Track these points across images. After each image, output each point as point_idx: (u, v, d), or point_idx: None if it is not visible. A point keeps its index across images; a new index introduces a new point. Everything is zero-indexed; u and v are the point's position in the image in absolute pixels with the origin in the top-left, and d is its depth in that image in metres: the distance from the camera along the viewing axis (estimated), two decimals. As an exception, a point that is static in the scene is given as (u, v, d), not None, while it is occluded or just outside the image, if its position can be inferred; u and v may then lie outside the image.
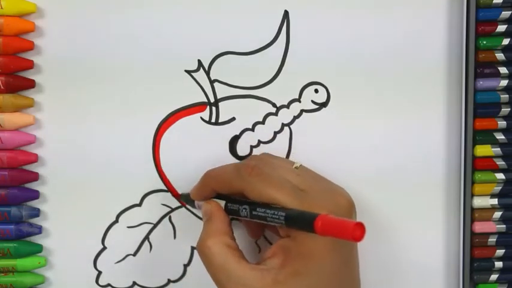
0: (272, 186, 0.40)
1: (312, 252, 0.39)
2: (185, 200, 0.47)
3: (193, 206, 0.46)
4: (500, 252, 0.47)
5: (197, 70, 0.47)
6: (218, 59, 0.47)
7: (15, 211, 0.46)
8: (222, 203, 0.43)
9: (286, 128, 0.47)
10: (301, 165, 0.44)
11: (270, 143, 0.47)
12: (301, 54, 0.47)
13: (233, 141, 0.47)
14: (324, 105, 0.47)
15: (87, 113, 0.47)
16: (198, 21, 0.46)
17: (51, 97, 0.46)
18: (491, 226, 0.47)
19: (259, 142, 0.47)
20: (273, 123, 0.47)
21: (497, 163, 0.46)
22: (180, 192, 0.47)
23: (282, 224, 0.38)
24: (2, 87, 0.45)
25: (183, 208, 0.48)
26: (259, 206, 0.40)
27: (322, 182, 0.44)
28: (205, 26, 0.46)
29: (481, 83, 0.46)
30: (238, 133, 0.47)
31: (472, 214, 0.47)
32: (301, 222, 0.36)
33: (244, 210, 0.41)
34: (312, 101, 0.47)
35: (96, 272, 0.48)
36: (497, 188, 0.46)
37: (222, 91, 0.47)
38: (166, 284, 0.48)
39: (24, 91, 0.46)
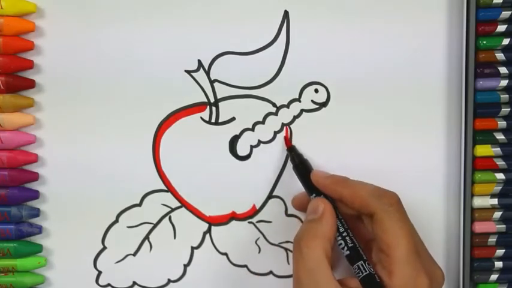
0: (404, 229, 0.41)
1: None
2: (295, 161, 0.46)
3: (300, 174, 0.45)
4: (500, 252, 0.47)
5: (197, 70, 0.47)
6: (218, 59, 0.47)
7: (15, 211, 0.46)
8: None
9: (286, 128, 0.47)
10: None
11: (270, 143, 0.47)
12: (301, 54, 0.47)
13: (233, 141, 0.47)
14: (324, 105, 0.47)
15: (87, 113, 0.47)
16: (198, 22, 0.46)
17: (51, 97, 0.46)
18: (491, 226, 0.47)
19: (259, 142, 0.47)
20: (273, 123, 0.47)
21: (497, 163, 0.46)
22: None
23: (357, 276, 0.41)
24: (2, 87, 0.45)
25: (183, 208, 0.48)
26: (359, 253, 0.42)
27: (425, 248, 0.43)
28: (205, 26, 0.46)
29: (481, 83, 0.46)
30: (238, 133, 0.47)
31: (472, 214, 0.47)
32: None
33: (344, 243, 0.42)
34: (312, 101, 0.47)
35: (96, 272, 0.48)
36: (497, 188, 0.46)
37: (222, 91, 0.47)
38: (166, 284, 0.48)
39: (24, 91, 0.46)
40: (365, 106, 0.47)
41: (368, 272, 0.41)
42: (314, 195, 0.44)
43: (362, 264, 0.41)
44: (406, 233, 0.41)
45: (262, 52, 0.47)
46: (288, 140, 0.47)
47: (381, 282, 0.41)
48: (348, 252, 0.42)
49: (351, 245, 0.42)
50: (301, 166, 0.46)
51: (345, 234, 0.42)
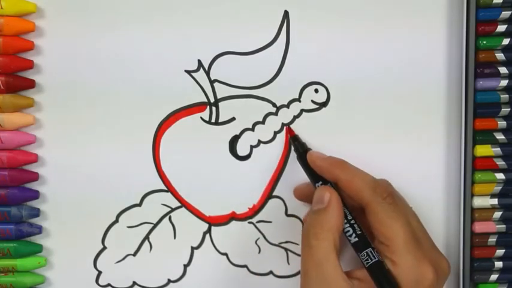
0: (399, 220, 0.41)
1: None
2: (295, 146, 0.46)
3: (300, 158, 0.45)
4: (500, 252, 0.47)
5: (197, 70, 0.47)
6: (218, 59, 0.47)
7: (15, 211, 0.46)
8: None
9: (286, 128, 0.47)
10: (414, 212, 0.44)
11: (270, 143, 0.47)
12: (301, 54, 0.47)
13: (233, 141, 0.47)
14: (324, 105, 0.47)
15: (87, 113, 0.47)
16: (198, 22, 0.46)
17: (51, 97, 0.46)
18: (491, 226, 0.47)
19: (259, 142, 0.47)
20: (273, 123, 0.47)
21: (497, 163, 0.46)
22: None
23: (365, 264, 0.41)
24: (2, 87, 0.45)
25: (183, 208, 0.48)
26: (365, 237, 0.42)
27: (429, 237, 0.44)
28: (205, 26, 0.46)
29: (481, 83, 0.46)
30: (238, 133, 0.47)
31: (472, 214, 0.47)
32: (382, 280, 0.40)
33: (352, 230, 0.42)
34: (312, 101, 0.47)
35: (96, 272, 0.48)
36: (497, 188, 0.46)
37: (222, 91, 0.47)
38: (166, 284, 0.48)
39: (24, 91, 0.46)
40: (365, 105, 0.47)
41: (377, 259, 0.41)
42: (321, 182, 0.44)
43: (371, 251, 0.41)
44: (401, 224, 0.41)
45: (262, 52, 0.47)
46: (291, 130, 0.47)
47: (381, 264, 0.40)
48: (356, 239, 0.42)
49: (359, 232, 0.42)
50: (306, 155, 0.45)
51: (352, 221, 0.42)
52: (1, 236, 0.46)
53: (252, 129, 0.47)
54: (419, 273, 0.40)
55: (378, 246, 0.41)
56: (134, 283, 0.48)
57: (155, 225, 0.48)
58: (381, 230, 0.41)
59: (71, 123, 0.47)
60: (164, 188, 0.47)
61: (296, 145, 0.46)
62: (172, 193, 0.47)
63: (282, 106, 0.47)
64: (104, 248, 0.48)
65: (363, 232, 0.42)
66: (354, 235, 0.42)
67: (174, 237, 0.48)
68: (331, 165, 0.43)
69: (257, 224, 0.48)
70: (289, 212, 0.48)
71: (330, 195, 0.42)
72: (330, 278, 0.40)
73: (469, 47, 0.45)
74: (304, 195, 0.46)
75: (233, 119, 0.47)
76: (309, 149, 0.46)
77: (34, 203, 0.47)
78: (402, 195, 0.44)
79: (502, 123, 0.46)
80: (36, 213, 0.47)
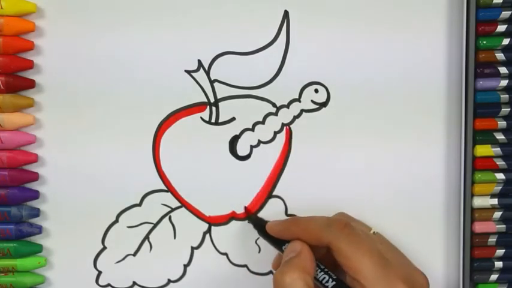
0: (362, 248, 0.40)
1: None
2: (254, 222, 0.46)
3: (261, 232, 0.45)
4: (500, 252, 0.47)
5: (197, 70, 0.47)
6: (218, 59, 0.47)
7: (15, 211, 0.46)
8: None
9: (286, 128, 0.47)
10: (377, 232, 0.45)
11: (270, 143, 0.47)
12: (301, 54, 0.47)
13: (233, 141, 0.47)
14: (324, 105, 0.47)
15: (87, 113, 0.47)
16: (198, 22, 0.46)
17: (51, 97, 0.46)
18: (491, 226, 0.47)
19: (259, 142, 0.47)
20: (273, 123, 0.47)
21: (497, 163, 0.46)
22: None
23: None
24: (2, 87, 0.45)
25: (183, 208, 0.48)
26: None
27: (400, 254, 0.44)
28: (205, 26, 0.46)
29: (481, 83, 0.46)
30: (238, 133, 0.47)
31: (472, 214, 0.47)
32: None
33: (327, 276, 0.42)
34: (312, 101, 0.47)
35: (96, 272, 0.48)
36: (497, 188, 0.46)
37: (222, 91, 0.47)
38: (166, 284, 0.48)
39: (24, 91, 0.46)
40: (365, 105, 0.47)
41: None
42: (287, 244, 0.44)
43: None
44: (365, 252, 0.40)
45: (262, 52, 0.47)
46: (247, 209, 0.47)
47: None
48: (334, 283, 0.42)
49: (335, 276, 0.42)
50: (255, 223, 0.46)
51: (326, 269, 0.42)
52: (1, 236, 0.46)
53: (252, 129, 0.47)
54: None
55: (351, 283, 0.41)
56: (134, 283, 0.48)
57: (155, 225, 0.48)
58: (347, 264, 0.40)
59: (71, 123, 0.47)
60: (164, 188, 0.47)
61: (254, 221, 0.46)
62: (172, 193, 0.47)
63: (282, 106, 0.47)
64: (104, 248, 0.48)
65: (338, 276, 0.42)
66: (330, 280, 0.42)
67: (174, 237, 0.48)
68: (286, 225, 0.44)
69: (257, 224, 0.48)
70: (289, 212, 0.48)
71: (300, 245, 0.42)
72: None
73: (469, 47, 0.45)
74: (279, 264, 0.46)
75: (233, 119, 0.47)
76: (267, 222, 0.46)
77: (34, 203, 0.47)
78: (359, 220, 0.45)
79: (502, 123, 0.46)
80: (36, 213, 0.47)
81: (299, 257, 0.42)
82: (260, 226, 0.45)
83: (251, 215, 0.47)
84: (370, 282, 0.40)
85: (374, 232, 0.44)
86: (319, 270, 0.42)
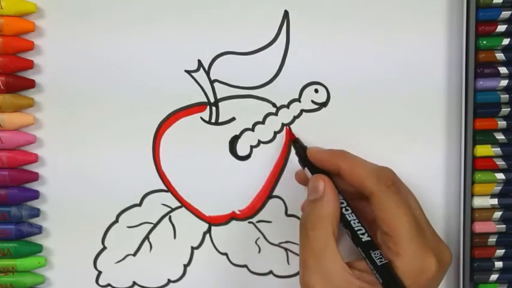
0: (403, 209, 0.40)
1: None
2: (296, 147, 0.46)
3: (300, 155, 0.45)
4: (500, 252, 0.47)
5: (197, 70, 0.47)
6: (218, 59, 0.47)
7: (15, 211, 0.46)
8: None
9: (286, 128, 0.47)
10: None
11: (270, 143, 0.47)
12: (301, 54, 0.47)
13: (233, 141, 0.47)
14: (324, 105, 0.47)
15: (87, 113, 0.47)
16: (198, 22, 0.46)
17: (51, 97, 0.46)
18: (491, 226, 0.47)
19: (259, 142, 0.47)
20: (273, 123, 0.47)
21: (497, 163, 0.46)
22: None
23: (378, 262, 0.40)
24: (2, 87, 0.45)
25: (183, 208, 0.48)
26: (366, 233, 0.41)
27: (432, 227, 0.43)
28: (205, 26, 0.46)
29: (481, 83, 0.46)
30: (238, 133, 0.47)
31: (472, 214, 0.47)
32: (389, 282, 0.39)
33: (364, 229, 0.41)
34: (312, 101, 0.47)
35: (96, 272, 0.48)
36: (497, 188, 0.46)
37: (222, 91, 0.47)
38: (166, 284, 0.48)
39: (24, 91, 0.46)
40: (365, 105, 0.47)
41: (386, 260, 0.40)
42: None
43: (380, 253, 0.40)
44: (405, 214, 0.40)
45: (262, 52, 0.47)
46: (291, 133, 0.46)
47: (390, 264, 0.40)
48: (368, 238, 0.41)
49: (367, 238, 0.41)
50: (297, 149, 0.45)
51: (348, 208, 0.41)
52: (1, 236, 0.46)
53: (252, 129, 0.47)
54: (422, 264, 0.40)
55: (382, 237, 0.41)
56: (134, 283, 0.48)
57: (155, 225, 0.48)
58: (386, 220, 0.40)
59: (71, 123, 0.47)
60: (164, 188, 0.47)
61: (297, 147, 0.46)
62: (172, 193, 0.47)
63: (282, 106, 0.47)
64: (104, 248, 0.48)
65: (369, 233, 0.41)
66: (366, 234, 0.41)
67: (174, 237, 0.48)
68: (331, 156, 0.43)
69: (257, 224, 0.48)
70: (289, 212, 0.48)
71: (324, 184, 0.41)
72: (330, 267, 0.39)
73: (469, 47, 0.45)
74: (303, 180, 0.46)
75: (233, 119, 0.47)
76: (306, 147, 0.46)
77: (34, 203, 0.47)
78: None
79: (502, 123, 0.46)
80: (36, 213, 0.47)
81: (322, 201, 0.41)
82: (302, 155, 0.45)
83: (295, 139, 0.46)
84: (404, 242, 0.39)
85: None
86: (355, 218, 0.41)
